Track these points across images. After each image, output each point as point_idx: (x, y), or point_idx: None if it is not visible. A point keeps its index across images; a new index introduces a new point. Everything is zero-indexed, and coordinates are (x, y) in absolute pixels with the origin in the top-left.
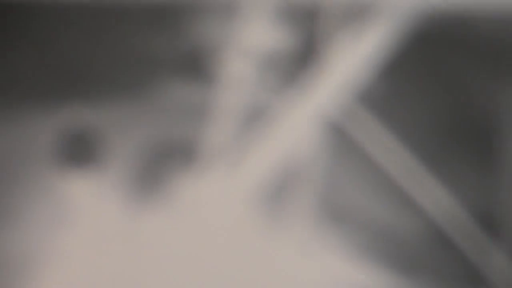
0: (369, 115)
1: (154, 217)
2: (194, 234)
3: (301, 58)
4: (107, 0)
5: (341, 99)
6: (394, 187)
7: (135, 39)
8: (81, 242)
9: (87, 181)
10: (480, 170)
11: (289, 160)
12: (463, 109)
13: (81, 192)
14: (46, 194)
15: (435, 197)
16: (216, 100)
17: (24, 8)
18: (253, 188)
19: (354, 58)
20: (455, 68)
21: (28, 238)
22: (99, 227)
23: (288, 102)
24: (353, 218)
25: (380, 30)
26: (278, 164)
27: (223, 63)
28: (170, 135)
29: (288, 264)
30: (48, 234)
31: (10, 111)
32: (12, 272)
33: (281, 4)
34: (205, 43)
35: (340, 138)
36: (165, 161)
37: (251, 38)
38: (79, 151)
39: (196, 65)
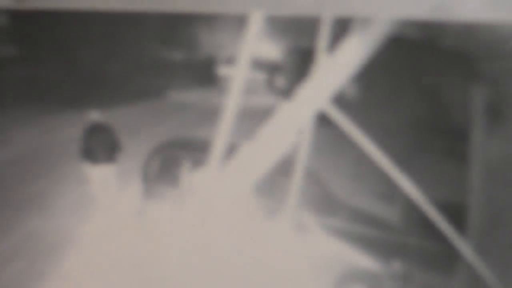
0: (351, 116)
1: (166, 204)
2: (204, 217)
3: (296, 66)
4: (128, 17)
5: (328, 101)
6: (377, 176)
7: (153, 50)
8: (103, 227)
9: (107, 172)
10: (450, 163)
11: (285, 155)
12: (436, 111)
13: (100, 181)
14: (74, 179)
15: (409, 186)
16: (223, 104)
17: (58, 30)
18: (254, 178)
19: (338, 67)
20: (427, 74)
21: (58, 221)
22: (119, 213)
23: (286, 103)
24: (340, 204)
25: (358, 43)
26: (275, 158)
27: (231, 71)
28: (182, 133)
29: (283, 244)
30: (75, 217)
31: (49, 113)
32: (45, 249)
33: (279, 23)
34: (216, 53)
35: (326, 137)
36: (175, 155)
37: (255, 50)
38: (99, 150)
39: (207, 73)
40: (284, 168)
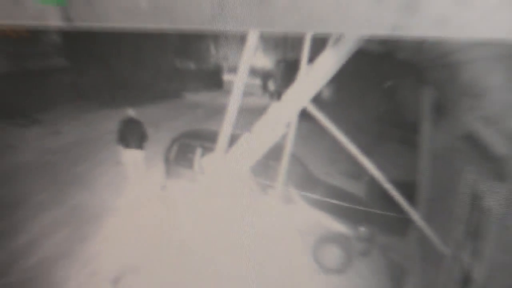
0: (327, 112)
1: (183, 181)
2: (211, 193)
3: (284, 74)
4: (153, 35)
5: (309, 100)
6: (348, 159)
7: (172, 61)
8: (133, 200)
9: (138, 156)
10: (404, 150)
11: (275, 143)
12: (393, 109)
13: (133, 164)
14: (109, 164)
15: (372, 168)
16: (227, 104)
17: (98, 45)
18: (252, 161)
19: (316, 74)
20: (386, 79)
21: (98, 195)
22: (146, 189)
23: (276, 103)
24: (319, 181)
25: (333, 55)
26: (268, 146)
27: (233, 77)
28: (195, 126)
29: (274, 213)
30: (111, 192)
31: (96, 108)
32: (87, 217)
33: (270, 40)
34: (221, 64)
35: (308, 128)
36: (190, 144)
37: (252, 61)
38: (131, 138)
39: (215, 79)
40: (274, 153)
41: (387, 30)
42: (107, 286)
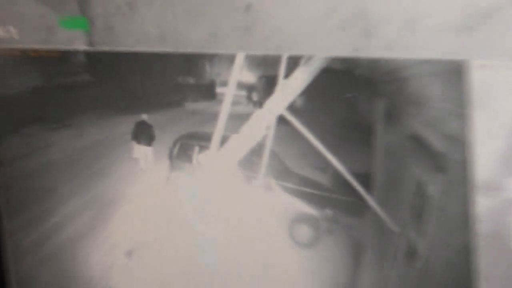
0: (300, 118)
1: (184, 173)
2: (206, 182)
3: (265, 87)
4: (160, 55)
5: (285, 108)
6: (316, 155)
7: (176, 77)
8: (144, 186)
9: (147, 152)
10: (362, 148)
11: (258, 142)
12: (353, 115)
13: (143, 158)
14: (125, 159)
15: (336, 162)
16: (219, 111)
17: (116, 63)
18: (239, 157)
19: (291, 87)
20: (348, 92)
21: (115, 185)
22: (154, 178)
23: (258, 110)
24: (293, 173)
25: (304, 71)
26: (251, 145)
27: (224, 90)
28: (194, 129)
29: (257, 198)
30: (125, 182)
31: (114, 115)
32: (107, 203)
33: (254, 60)
34: (215, 79)
35: (284, 130)
36: (189, 143)
37: (239, 77)
38: (143, 135)
39: (209, 91)
40: (257, 150)
41: (348, 52)
42: (122, 257)
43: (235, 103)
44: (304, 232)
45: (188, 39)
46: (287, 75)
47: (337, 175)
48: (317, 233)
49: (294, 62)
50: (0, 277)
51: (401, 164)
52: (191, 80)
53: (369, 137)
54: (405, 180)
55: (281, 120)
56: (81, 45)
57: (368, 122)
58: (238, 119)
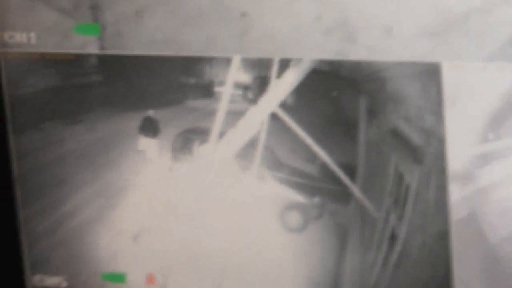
0: (290, 114)
1: (185, 164)
2: (205, 172)
3: (259, 86)
4: (165, 59)
5: (277, 105)
6: (305, 148)
7: (178, 77)
8: (149, 177)
9: (153, 145)
10: (347, 141)
11: (252, 137)
12: (338, 111)
13: (149, 150)
14: (132, 151)
15: (324, 154)
16: (217, 108)
17: (124, 65)
18: (235, 150)
19: (282, 86)
20: (333, 90)
21: (122, 174)
22: (158, 168)
23: (253, 107)
24: (284, 166)
25: (294, 73)
26: (247, 138)
27: (222, 89)
28: (194, 124)
29: (251, 187)
30: (132, 173)
31: (122, 111)
32: (115, 191)
33: (249, 62)
34: (213, 79)
35: (276, 126)
36: (191, 137)
37: (236, 77)
38: (149, 129)
39: (208, 90)
40: (251, 143)
41: (333, 55)
42: (129, 241)
43: (232, 101)
44: (294, 218)
45: (189, 44)
46: (279, 76)
47: (324, 166)
48: (306, 219)
49: (285, 64)
50: (16, 261)
51: (382, 156)
52: (192, 80)
53: (353, 132)
54: (386, 171)
55: (274, 116)
56: (93, 49)
57: (352, 118)
58: (234, 116)
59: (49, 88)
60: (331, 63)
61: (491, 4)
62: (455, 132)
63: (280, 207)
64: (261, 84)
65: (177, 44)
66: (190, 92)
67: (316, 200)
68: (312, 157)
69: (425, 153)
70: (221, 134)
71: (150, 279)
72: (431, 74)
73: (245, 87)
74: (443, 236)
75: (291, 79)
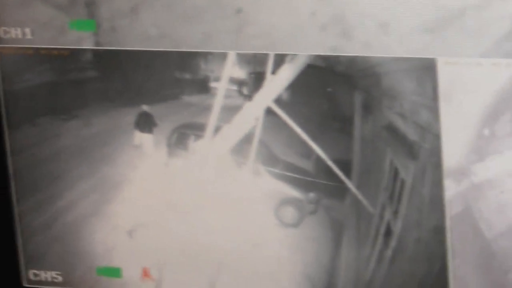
0: (285, 109)
1: (180, 159)
2: (200, 168)
3: (254, 82)
4: (160, 55)
5: (272, 101)
6: (300, 144)
7: (174, 73)
8: (144, 172)
9: (149, 139)
10: (342, 136)
11: (248, 132)
12: (333, 107)
13: (145, 145)
14: (127, 146)
15: (319, 150)
16: (213, 103)
17: (120, 60)
18: (231, 145)
19: (278, 82)
20: (329, 86)
21: (118, 169)
22: (154, 163)
23: (248, 103)
24: (279, 160)
25: (290, 68)
26: (242, 134)
27: (218, 85)
28: (190, 120)
29: (246, 183)
30: (127, 168)
31: (118, 106)
32: (111, 186)
33: (244, 57)
34: (209, 75)
35: (271, 121)
36: (186, 132)
37: (231, 72)
38: (145, 124)
39: (204, 86)
40: (247, 139)
41: (328, 51)
42: (124, 236)
43: (227, 96)
44: (290, 213)
45: (184, 39)
46: (274, 72)
47: (319, 162)
48: (301, 214)
49: (280, 60)
50: (12, 256)
51: (377, 151)
52: (187, 76)
53: (349, 127)
54: (381, 166)
55: (269, 111)
56: (89, 45)
57: (348, 113)
58: (230, 111)
59: (44, 83)
60: (326, 58)
61: (486, 0)
62: (450, 127)
63: (276, 203)
64: (257, 80)
65: (172, 39)
66: (186, 87)
67: (312, 195)
68: (307, 153)
69: (420, 148)
70: (217, 130)
71: (145, 273)
72: (426, 69)
73: (241, 83)
74: (439, 232)
75: (286, 74)
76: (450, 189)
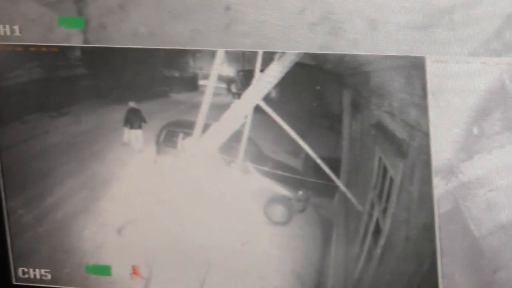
0: (274, 107)
1: (169, 157)
2: (189, 166)
3: (243, 80)
4: (150, 49)
5: (261, 99)
6: (289, 142)
7: (163, 71)
8: (133, 169)
9: (138, 136)
10: (331, 134)
11: (236, 130)
12: (322, 105)
13: (135, 142)
14: (117, 143)
15: (308, 148)
16: (201, 101)
17: (109, 58)
18: (219, 143)
19: (266, 80)
20: (318, 84)
21: (108, 166)
22: (143, 161)
23: (237, 100)
24: (268, 158)
25: (278, 66)
26: (231, 132)
27: (206, 83)
28: (178, 117)
29: (235, 181)
30: (116, 166)
31: (107, 104)
32: (100, 183)
33: (233, 55)
34: (197, 72)
35: (260, 119)
36: (175, 130)
37: (220, 70)
38: (134, 122)
39: (193, 84)
40: (235, 137)
41: (317, 48)
42: (113, 233)
43: (216, 94)
44: (279, 211)
45: (173, 37)
46: (262, 69)
47: (308, 160)
48: (290, 212)
49: (269, 58)
50: (1, 253)
51: (366, 150)
52: (176, 74)
53: (337, 125)
54: (370, 164)
55: (258, 109)
56: (77, 42)
57: (336, 111)
58: (218, 109)
59: (33, 80)
60: (315, 56)
61: None
62: (439, 126)
63: (265, 201)
64: (245, 78)
65: (161, 37)
66: (174, 85)
67: (301, 193)
68: (296, 151)
69: (409, 146)
70: (205, 127)
71: (134, 271)
72: (415, 68)
73: (229, 81)
74: (427, 230)
75: (275, 72)
76: (439, 187)
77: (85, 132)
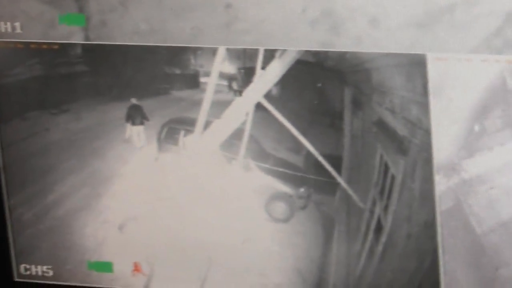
0: (275, 105)
1: (171, 154)
2: (191, 163)
3: (244, 77)
4: (151, 47)
5: (262, 96)
6: (290, 139)
7: (163, 68)
8: (135, 166)
9: (139, 132)
10: (332, 132)
11: (238, 127)
12: (324, 102)
13: (137, 138)
14: (118, 140)
15: (309, 145)
16: (202, 98)
17: (110, 54)
18: (221, 140)
19: (268, 77)
20: (319, 81)
21: (109, 163)
22: (144, 158)
23: (238, 98)
24: (269, 155)
25: (279, 63)
26: (232, 128)
27: (207, 80)
28: (180, 115)
29: (236, 178)
30: (117, 163)
31: (108, 101)
32: (101, 180)
33: (234, 52)
34: (199, 70)
35: (261, 116)
36: (176, 127)
37: (221, 68)
38: (136, 118)
39: (194, 81)
40: (237, 134)
41: (318, 46)
42: (115, 230)
43: (217, 91)
44: (280, 208)
45: (174, 34)
46: (264, 67)
47: (310, 157)
48: (292, 209)
49: (270, 55)
50: (3, 250)
51: (368, 147)
52: (177, 71)
53: (339, 122)
54: (371, 161)
55: (259, 107)
56: (78, 39)
57: (338, 108)
58: (219, 106)
59: (34, 77)
60: (316, 54)
61: None
62: (440, 123)
63: (266, 198)
64: (246, 75)
65: (162, 34)
66: (176, 82)
67: (302, 190)
68: (297, 148)
69: (410, 144)
70: (207, 125)
71: (136, 268)
72: (416, 65)
73: (230, 78)
74: (429, 227)
75: (276, 70)
76: (440, 184)
77: (86, 129)
